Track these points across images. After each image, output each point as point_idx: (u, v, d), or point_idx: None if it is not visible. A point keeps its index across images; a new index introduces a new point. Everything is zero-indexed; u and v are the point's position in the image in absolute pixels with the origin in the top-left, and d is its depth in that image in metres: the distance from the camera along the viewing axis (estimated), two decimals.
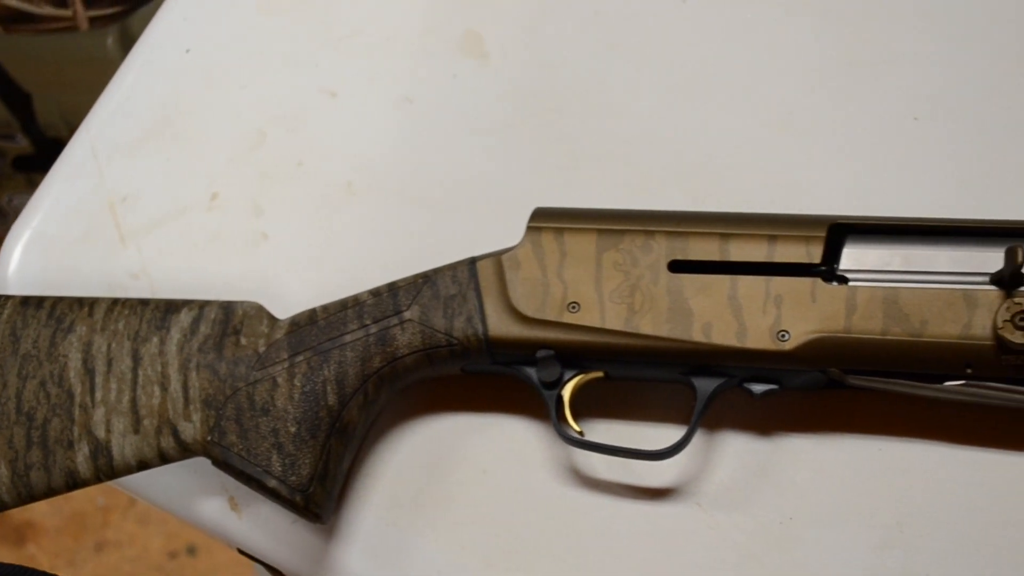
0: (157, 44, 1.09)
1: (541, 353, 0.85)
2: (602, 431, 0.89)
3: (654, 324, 0.83)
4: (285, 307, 0.91)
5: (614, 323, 0.84)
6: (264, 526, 0.90)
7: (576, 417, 0.88)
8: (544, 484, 0.88)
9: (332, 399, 0.85)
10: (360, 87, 1.03)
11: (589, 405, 0.89)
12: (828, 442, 0.86)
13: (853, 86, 0.97)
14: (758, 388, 0.84)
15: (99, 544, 1.92)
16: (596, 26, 1.02)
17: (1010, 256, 0.78)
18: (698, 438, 0.87)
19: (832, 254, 0.83)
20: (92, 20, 1.65)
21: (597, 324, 0.84)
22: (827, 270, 0.83)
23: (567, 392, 0.85)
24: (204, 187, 1.01)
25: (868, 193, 0.93)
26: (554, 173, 0.98)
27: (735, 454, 0.87)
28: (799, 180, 0.95)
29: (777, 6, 1.00)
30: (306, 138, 1.02)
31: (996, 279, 0.80)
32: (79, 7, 1.64)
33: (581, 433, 0.86)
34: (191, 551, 1.89)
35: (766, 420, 0.87)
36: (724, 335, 0.82)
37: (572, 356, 0.85)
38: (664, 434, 0.86)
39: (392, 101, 1.02)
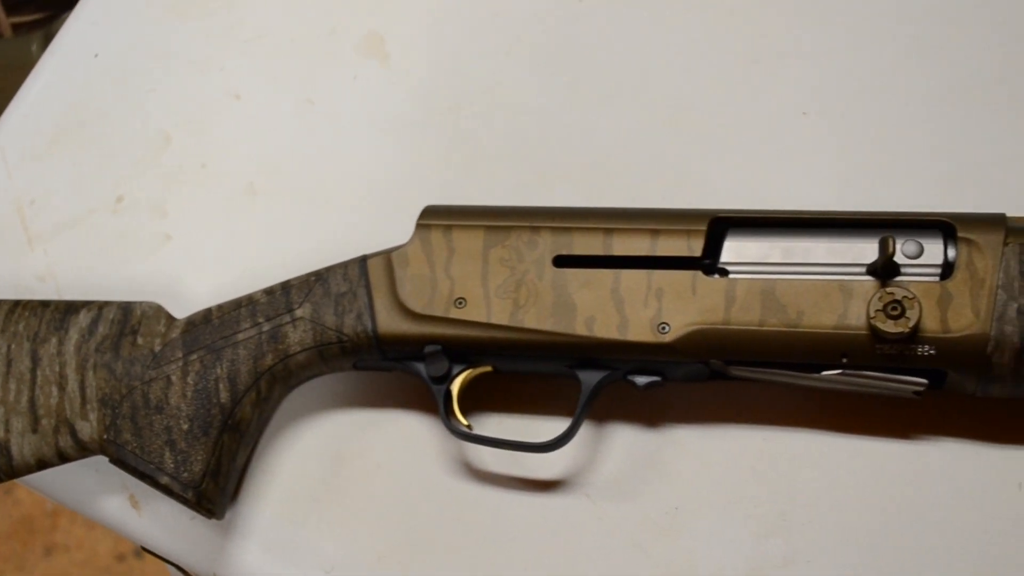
0: (67, 48, 1.10)
1: (429, 348, 0.86)
2: (493, 425, 0.90)
3: (538, 318, 0.84)
4: (188, 307, 0.92)
5: (499, 318, 0.85)
6: (164, 523, 0.92)
7: (469, 411, 0.89)
8: (436, 478, 0.90)
9: (224, 396, 0.86)
10: (264, 89, 1.04)
11: (482, 399, 0.90)
12: (714, 433, 0.88)
13: (743, 82, 0.98)
14: (641, 380, 0.85)
15: (48, 548, 1.93)
16: (494, 27, 1.03)
17: (883, 246, 0.79)
18: (587, 430, 0.89)
19: (713, 247, 0.85)
20: (16, 27, 1.65)
21: (483, 319, 0.85)
22: (708, 263, 0.84)
23: (456, 386, 0.87)
24: (110, 190, 1.02)
25: (757, 187, 0.95)
26: (453, 172, 1.00)
27: (623, 446, 0.88)
28: (691, 175, 0.96)
29: (670, 5, 1.02)
30: (210, 140, 1.03)
31: (871, 270, 0.81)
32: (1, 14, 1.65)
33: (469, 427, 0.87)
34: (138, 553, 1.90)
35: (654, 412, 0.89)
36: (606, 328, 0.83)
37: (459, 351, 0.86)
38: (555, 427, 0.87)
39: (294, 103, 1.03)
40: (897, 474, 0.85)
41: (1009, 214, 0.83)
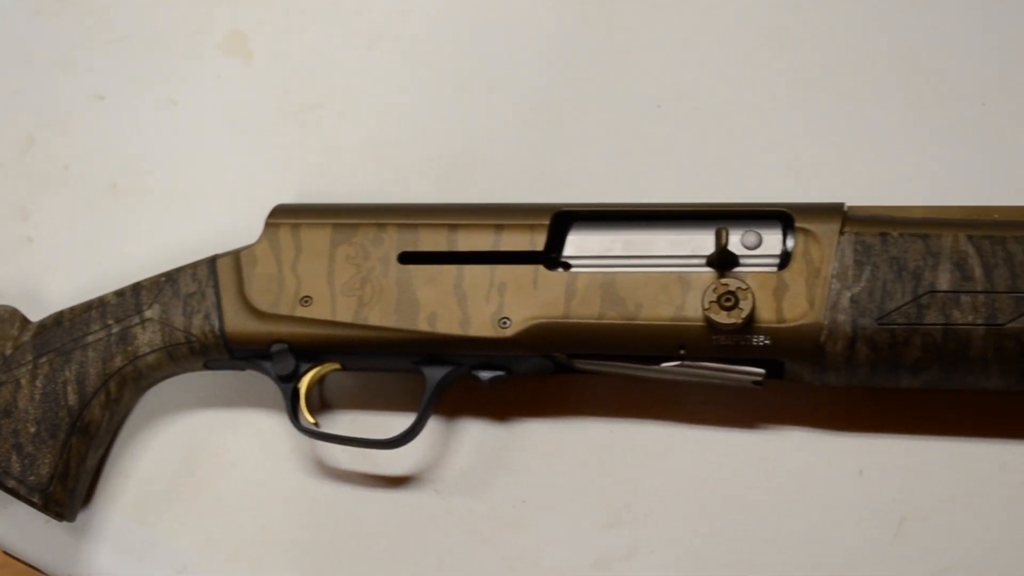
0: None
1: (275, 347, 0.86)
2: (346, 422, 0.91)
3: (382, 315, 0.85)
4: (47, 310, 0.92)
5: (344, 315, 0.85)
6: (20, 526, 0.91)
7: (324, 408, 0.89)
8: (289, 476, 0.90)
9: (72, 399, 0.86)
10: (127, 90, 1.04)
11: (337, 396, 0.91)
12: (561, 426, 0.88)
13: (598, 75, 0.99)
14: (486, 375, 0.85)
15: None
16: (357, 23, 1.03)
17: (717, 238, 0.80)
18: (437, 426, 0.89)
19: (556, 242, 0.85)
20: None
21: (328, 317, 0.85)
22: (551, 257, 0.84)
23: (303, 384, 0.87)
24: None
25: (612, 180, 0.95)
26: (313, 170, 1.00)
27: (472, 440, 0.89)
28: (546, 169, 0.97)
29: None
30: (74, 141, 1.03)
31: (710, 261, 0.82)
32: None
33: (316, 424, 0.87)
34: None
35: (503, 406, 0.89)
36: (448, 324, 0.84)
37: (306, 349, 0.86)
38: (407, 423, 0.88)
39: (157, 103, 1.03)
40: (740, 463, 0.86)
41: (849, 203, 0.83)
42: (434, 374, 0.85)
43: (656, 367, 0.83)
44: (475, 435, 0.89)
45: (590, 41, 1.00)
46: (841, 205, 0.83)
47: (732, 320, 0.79)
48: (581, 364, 0.84)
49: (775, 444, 0.86)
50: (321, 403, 0.91)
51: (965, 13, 0.95)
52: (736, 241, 0.82)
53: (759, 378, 0.81)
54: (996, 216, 0.82)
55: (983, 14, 0.94)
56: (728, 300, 0.80)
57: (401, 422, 0.88)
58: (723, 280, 0.80)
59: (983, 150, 0.91)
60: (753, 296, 0.79)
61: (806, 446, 0.85)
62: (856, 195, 0.86)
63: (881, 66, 0.95)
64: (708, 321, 0.80)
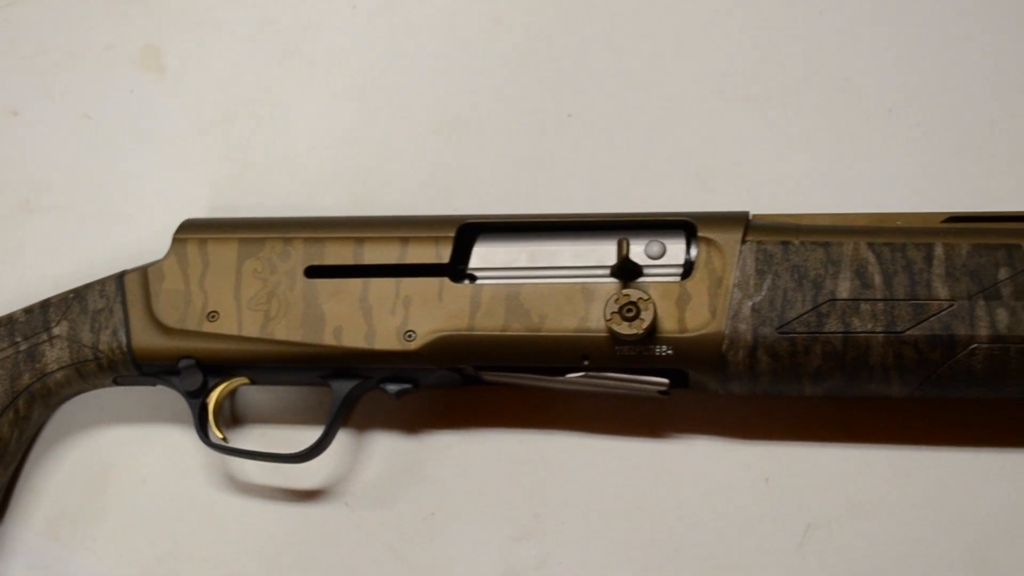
0: None
1: (183, 363, 0.86)
2: (257, 436, 0.91)
3: (288, 330, 0.84)
4: None
5: (251, 330, 0.85)
6: None
7: (236, 422, 0.90)
8: (201, 491, 0.90)
9: None
10: (41, 105, 1.04)
11: (249, 410, 0.91)
12: (471, 437, 0.88)
13: (508, 86, 0.99)
14: (393, 388, 0.85)
15: None
16: (269, 35, 1.03)
17: (619, 248, 0.80)
18: (349, 439, 0.89)
19: (462, 254, 0.85)
20: None
21: (234, 332, 0.85)
22: (457, 270, 0.84)
23: (212, 400, 0.86)
24: None
25: (524, 191, 0.95)
26: (227, 183, 0.99)
27: (383, 453, 0.89)
28: (458, 182, 0.97)
29: (441, 10, 1.02)
30: None
31: (614, 271, 0.82)
32: None
33: (225, 439, 0.87)
34: None
35: (414, 419, 0.89)
36: (353, 337, 0.84)
37: (213, 364, 0.86)
38: (318, 437, 0.88)
39: (72, 118, 1.03)
40: (648, 473, 0.86)
41: (756, 212, 0.83)
42: (341, 388, 0.85)
43: (561, 378, 0.83)
44: (385, 448, 0.89)
45: (499, 52, 1.00)
46: (746, 214, 0.83)
47: (633, 331, 0.79)
48: (488, 376, 0.85)
49: (682, 453, 0.86)
50: (232, 417, 0.91)
51: (871, 21, 0.95)
52: (640, 251, 0.83)
53: (664, 388, 0.82)
54: (899, 223, 0.82)
55: (888, 22, 0.95)
56: (629, 311, 0.80)
57: (312, 435, 0.88)
58: (625, 291, 0.80)
59: (889, 157, 0.92)
60: (654, 306, 0.79)
61: (713, 454, 0.86)
62: (764, 203, 0.87)
63: (788, 74, 0.95)
64: (610, 332, 0.80)
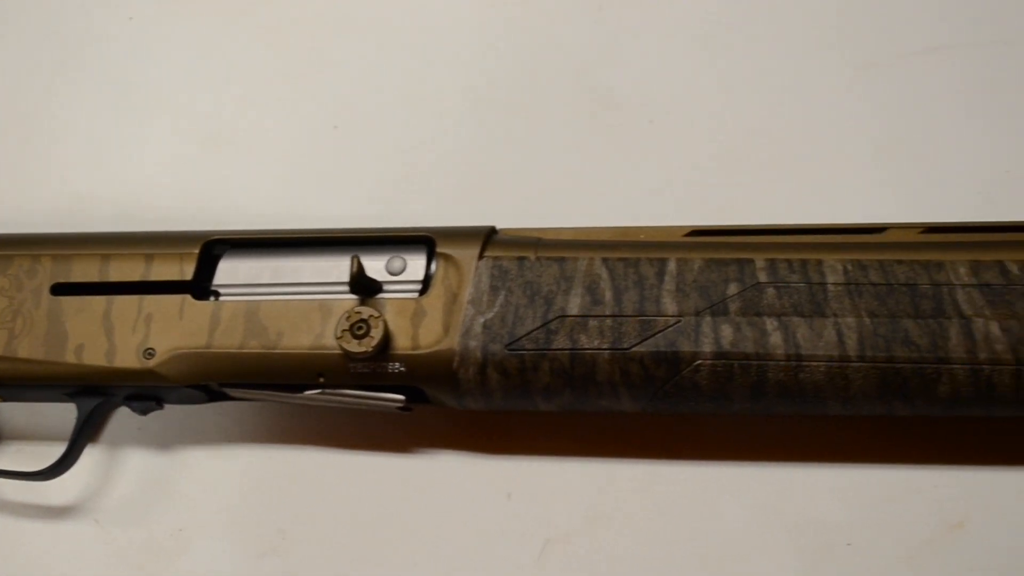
0: None
1: None
2: (13, 452, 0.90)
3: (31, 348, 0.84)
4: None
5: None
6: None
7: None
8: None
9: None
10: None
11: (8, 427, 0.90)
12: (220, 453, 0.88)
13: (272, 96, 0.98)
14: (138, 406, 0.85)
15: None
16: (47, 46, 1.02)
17: (351, 265, 0.80)
18: (102, 455, 0.89)
19: (206, 270, 0.85)
20: None
21: None
22: (201, 287, 0.84)
23: None
24: None
25: (292, 201, 0.95)
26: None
27: (134, 469, 0.89)
28: (222, 196, 0.96)
29: (211, 23, 1.01)
30: None
31: (352, 288, 0.81)
32: None
33: None
34: None
35: (165, 435, 0.90)
36: (94, 355, 0.83)
37: None
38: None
39: None
40: (393, 487, 0.86)
41: (506, 225, 0.83)
42: (85, 405, 0.85)
43: (300, 395, 0.83)
44: (137, 464, 0.89)
45: (266, 61, 0.99)
46: (490, 229, 0.83)
47: (363, 348, 0.79)
48: (234, 392, 0.84)
49: (428, 468, 0.86)
50: None
51: (633, 33, 0.95)
52: (381, 267, 0.82)
53: (402, 404, 0.82)
54: (642, 236, 0.82)
55: (652, 33, 0.95)
56: (360, 328, 0.80)
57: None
58: (357, 308, 0.80)
59: (650, 167, 0.92)
60: (385, 323, 0.79)
61: (458, 470, 0.86)
62: (519, 217, 0.86)
63: (552, 84, 0.95)
64: (342, 349, 0.80)
